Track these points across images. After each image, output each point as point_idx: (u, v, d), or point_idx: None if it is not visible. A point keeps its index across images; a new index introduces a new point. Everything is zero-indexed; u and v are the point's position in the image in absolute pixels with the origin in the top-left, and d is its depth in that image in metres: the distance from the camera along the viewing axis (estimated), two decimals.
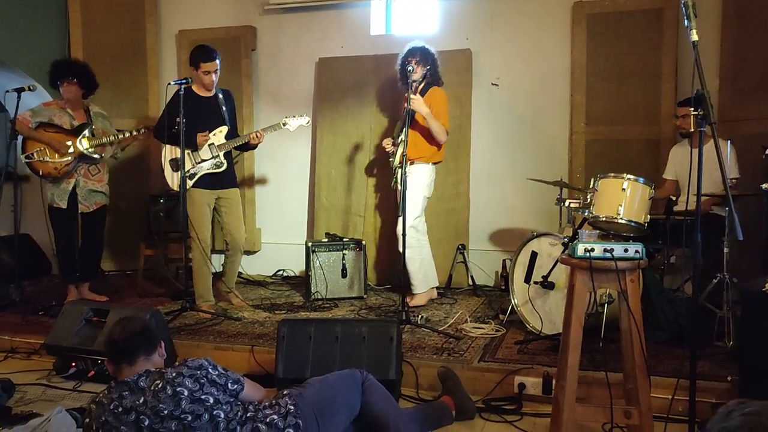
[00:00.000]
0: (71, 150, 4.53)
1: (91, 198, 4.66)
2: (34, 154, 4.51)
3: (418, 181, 4.43)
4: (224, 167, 4.40)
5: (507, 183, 5.21)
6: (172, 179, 4.42)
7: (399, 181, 4.47)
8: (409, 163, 4.37)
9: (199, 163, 4.33)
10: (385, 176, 5.35)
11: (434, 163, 4.52)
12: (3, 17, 5.24)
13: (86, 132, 4.59)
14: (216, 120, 4.41)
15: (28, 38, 5.47)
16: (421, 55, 4.40)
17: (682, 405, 2.71)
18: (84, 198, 4.63)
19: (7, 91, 4.57)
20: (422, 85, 4.41)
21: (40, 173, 4.56)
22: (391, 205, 5.28)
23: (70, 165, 4.55)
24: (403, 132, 4.31)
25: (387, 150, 4.56)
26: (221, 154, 4.39)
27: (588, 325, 2.96)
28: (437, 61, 4.46)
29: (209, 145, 4.35)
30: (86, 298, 4.73)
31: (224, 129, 4.42)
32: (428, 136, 4.40)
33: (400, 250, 4.19)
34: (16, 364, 3.78)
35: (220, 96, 4.45)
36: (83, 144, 4.56)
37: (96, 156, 4.63)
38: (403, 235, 4.11)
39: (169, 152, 4.43)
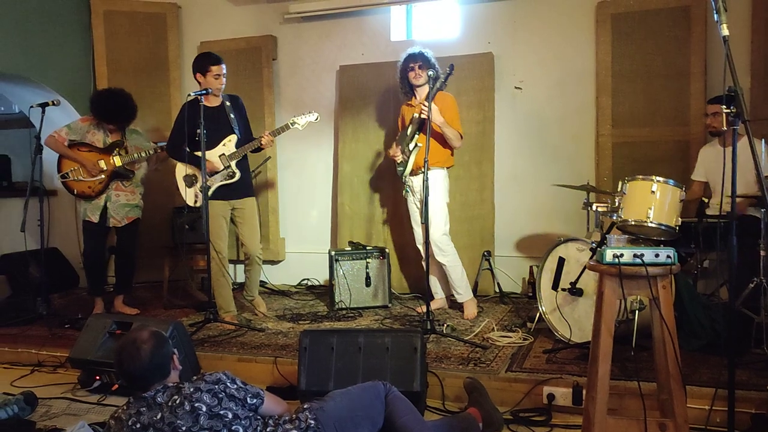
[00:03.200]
0: (104, 169, 4.57)
1: (122, 212, 4.68)
2: (69, 174, 4.57)
3: (439, 187, 4.35)
4: (237, 177, 4.34)
5: (532, 187, 5.12)
6: (188, 196, 4.38)
7: (411, 189, 4.45)
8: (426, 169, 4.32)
9: (212, 176, 4.28)
10: None
11: (447, 168, 4.44)
12: (28, 33, 5.31)
13: (118, 150, 4.62)
14: (224, 129, 4.35)
15: (52, 53, 5.54)
16: (423, 59, 4.30)
17: (720, 416, 2.61)
18: (115, 212, 4.66)
19: (32, 106, 4.63)
20: (427, 90, 4.22)
21: (75, 192, 4.63)
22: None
23: (103, 183, 4.59)
24: (414, 139, 4.28)
25: (397, 160, 4.45)
26: (233, 164, 4.33)
27: (618, 333, 2.87)
28: (438, 65, 4.31)
29: (220, 156, 4.32)
30: (119, 311, 4.75)
31: (233, 138, 4.35)
32: (441, 140, 4.31)
33: (429, 258, 4.14)
34: (43, 378, 3.80)
35: (228, 103, 4.40)
36: (116, 162, 4.59)
37: (129, 173, 4.67)
38: (426, 243, 4.06)
39: (182, 169, 4.40)
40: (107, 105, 4.61)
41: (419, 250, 4.53)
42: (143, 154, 4.66)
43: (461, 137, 4.34)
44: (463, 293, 4.42)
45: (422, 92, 4.30)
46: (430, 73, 4.09)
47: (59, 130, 4.62)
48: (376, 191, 5.41)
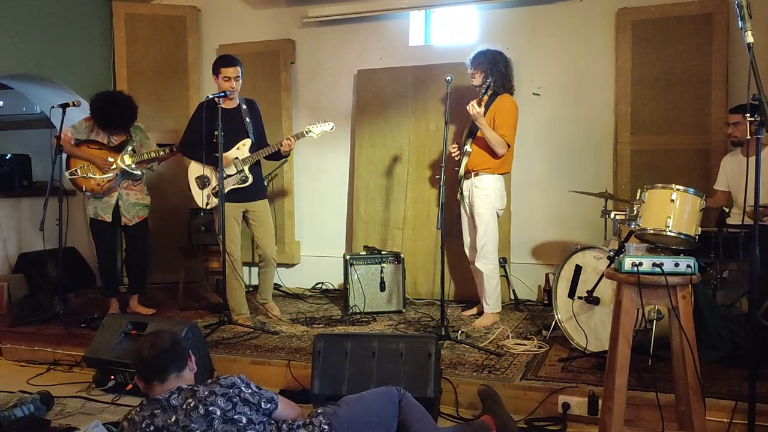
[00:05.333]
0: (113, 167, 4.60)
1: (133, 211, 4.71)
2: (78, 171, 4.59)
3: (487, 195, 4.30)
4: (249, 182, 4.34)
5: (550, 194, 5.08)
6: (200, 197, 4.39)
7: (463, 193, 4.44)
8: (473, 174, 4.32)
9: (225, 179, 4.26)
10: (423, 188, 5.29)
11: (501, 174, 4.39)
12: (50, 36, 5.37)
13: (128, 148, 4.65)
14: (239, 133, 4.35)
15: (74, 55, 5.60)
16: (478, 60, 4.31)
17: (740, 429, 2.56)
18: (126, 211, 4.69)
19: (53, 107, 4.67)
20: (489, 92, 4.25)
21: (83, 189, 4.64)
22: (431, 218, 5.20)
23: (112, 181, 4.62)
24: (468, 143, 4.30)
25: (453, 156, 4.41)
26: (246, 168, 4.34)
27: (636, 342, 2.83)
28: (501, 66, 4.31)
29: (233, 160, 4.32)
30: (134, 311, 4.77)
31: (247, 142, 4.36)
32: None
33: (475, 264, 4.34)
34: (58, 377, 3.82)
35: (244, 106, 4.40)
36: (126, 160, 4.62)
37: (138, 172, 4.69)
38: (442, 247, 4.03)
39: (194, 170, 4.41)
40: (107, 112, 4.61)
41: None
42: (153, 155, 4.68)
43: (508, 145, 4.26)
44: (491, 305, 4.38)
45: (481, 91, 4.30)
46: (484, 75, 4.21)
47: (65, 130, 4.60)
48: (392, 196, 5.40)
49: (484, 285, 4.37)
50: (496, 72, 4.28)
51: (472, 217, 4.40)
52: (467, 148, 4.30)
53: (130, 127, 4.73)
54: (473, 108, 4.14)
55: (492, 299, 4.37)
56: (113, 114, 4.62)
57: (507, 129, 4.26)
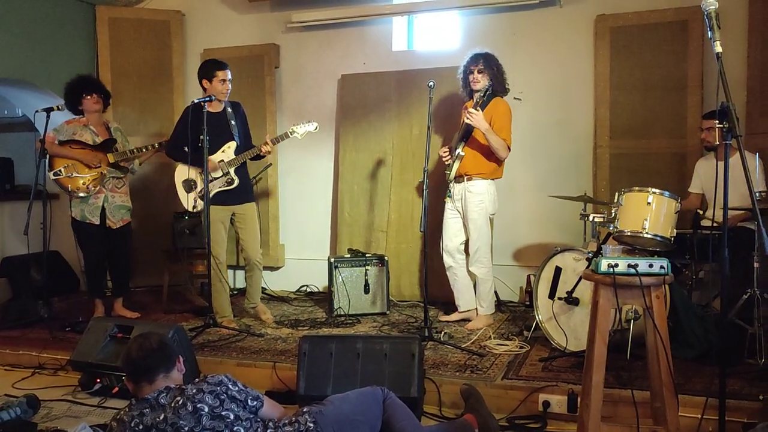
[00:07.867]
0: (99, 165, 4.62)
1: (118, 213, 4.73)
2: (62, 171, 4.60)
3: (481, 200, 4.30)
4: (235, 184, 4.39)
5: (530, 197, 5.17)
6: (186, 201, 4.42)
7: (453, 196, 4.43)
8: (467, 179, 4.32)
9: (210, 181, 4.29)
10: (406, 192, 5.35)
11: (494, 179, 4.39)
12: (33, 39, 5.37)
13: (113, 146, 4.67)
14: (224, 136, 4.40)
15: (57, 59, 5.60)
16: (485, 62, 4.23)
17: (712, 425, 2.64)
18: (112, 214, 4.70)
19: (37, 111, 4.66)
20: (485, 95, 4.21)
21: (69, 189, 4.64)
22: (414, 221, 5.26)
23: (98, 180, 4.63)
24: (460, 146, 4.26)
25: (444, 160, 4.41)
26: (231, 170, 4.39)
27: (614, 341, 2.90)
28: (501, 69, 4.29)
29: (219, 162, 4.36)
30: (119, 314, 4.78)
31: (233, 144, 4.40)
32: (488, 152, 4.23)
33: (469, 268, 4.38)
34: (43, 380, 3.83)
35: (229, 109, 4.45)
36: (109, 158, 4.64)
37: (123, 170, 4.72)
38: (424, 251, 4.09)
39: (181, 173, 4.45)
40: (78, 84, 4.67)
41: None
42: (136, 151, 4.70)
43: (509, 149, 4.26)
44: (486, 307, 4.41)
45: (477, 96, 4.25)
46: (490, 78, 4.20)
47: (48, 133, 4.59)
48: (376, 199, 5.45)
49: (479, 288, 4.40)
50: (498, 75, 4.25)
51: (464, 222, 4.41)
52: (459, 151, 4.24)
53: (106, 99, 4.78)
54: (475, 115, 4.08)
55: (486, 301, 4.41)
56: (82, 83, 4.68)
57: (507, 132, 4.24)
